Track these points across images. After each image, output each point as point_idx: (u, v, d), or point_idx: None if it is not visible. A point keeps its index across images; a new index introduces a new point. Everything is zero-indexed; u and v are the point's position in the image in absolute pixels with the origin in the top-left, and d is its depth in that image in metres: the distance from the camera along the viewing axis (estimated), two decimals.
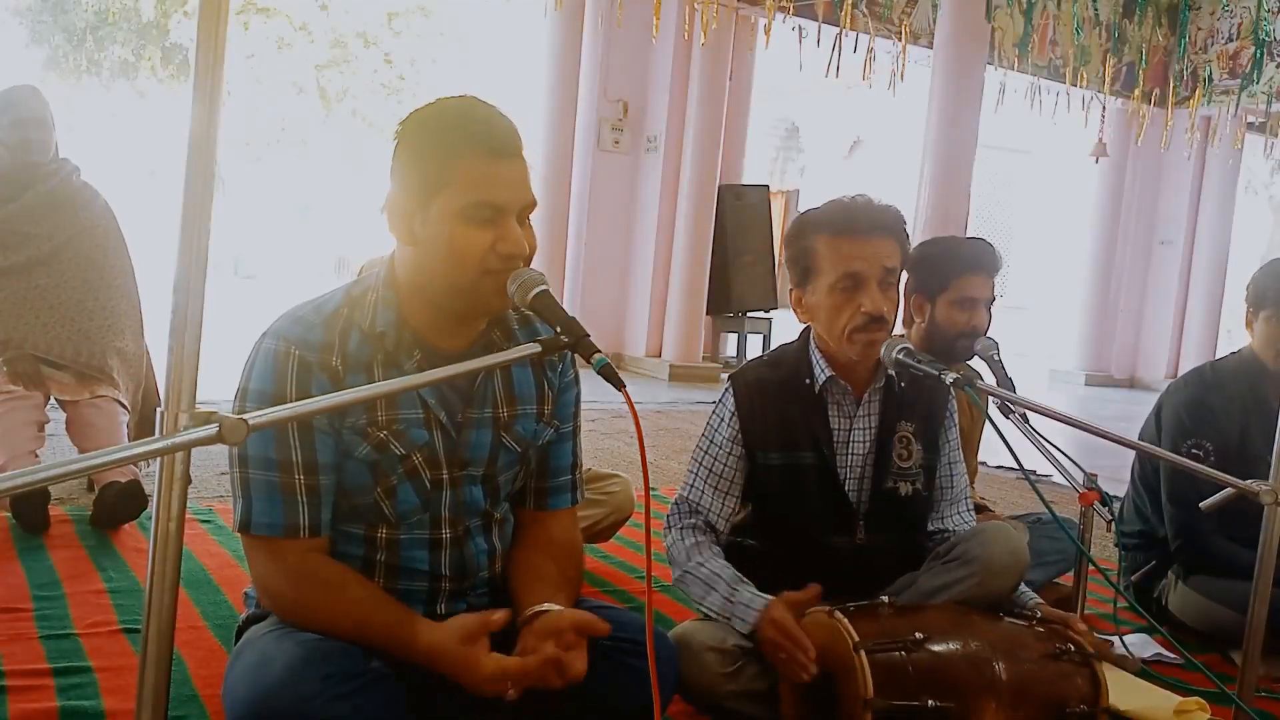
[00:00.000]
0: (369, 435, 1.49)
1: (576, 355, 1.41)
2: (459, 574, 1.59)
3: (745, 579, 1.87)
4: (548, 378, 1.65)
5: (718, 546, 1.97)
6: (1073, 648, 1.69)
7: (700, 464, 2.01)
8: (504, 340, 1.58)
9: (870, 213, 1.91)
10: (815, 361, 1.98)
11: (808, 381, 1.98)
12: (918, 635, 1.62)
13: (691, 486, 2.02)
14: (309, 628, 1.45)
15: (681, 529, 1.98)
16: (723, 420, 2.01)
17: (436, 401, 1.53)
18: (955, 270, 2.56)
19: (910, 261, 2.53)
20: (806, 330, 2.03)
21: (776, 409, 1.97)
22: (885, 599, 1.73)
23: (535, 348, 1.35)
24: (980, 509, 2.77)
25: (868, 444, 1.99)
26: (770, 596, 1.80)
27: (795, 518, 1.98)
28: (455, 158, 1.43)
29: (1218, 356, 2.84)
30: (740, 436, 1.98)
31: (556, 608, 1.50)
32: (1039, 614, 1.81)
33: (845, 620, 1.65)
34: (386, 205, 1.51)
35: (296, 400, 1.42)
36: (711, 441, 2.01)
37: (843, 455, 1.98)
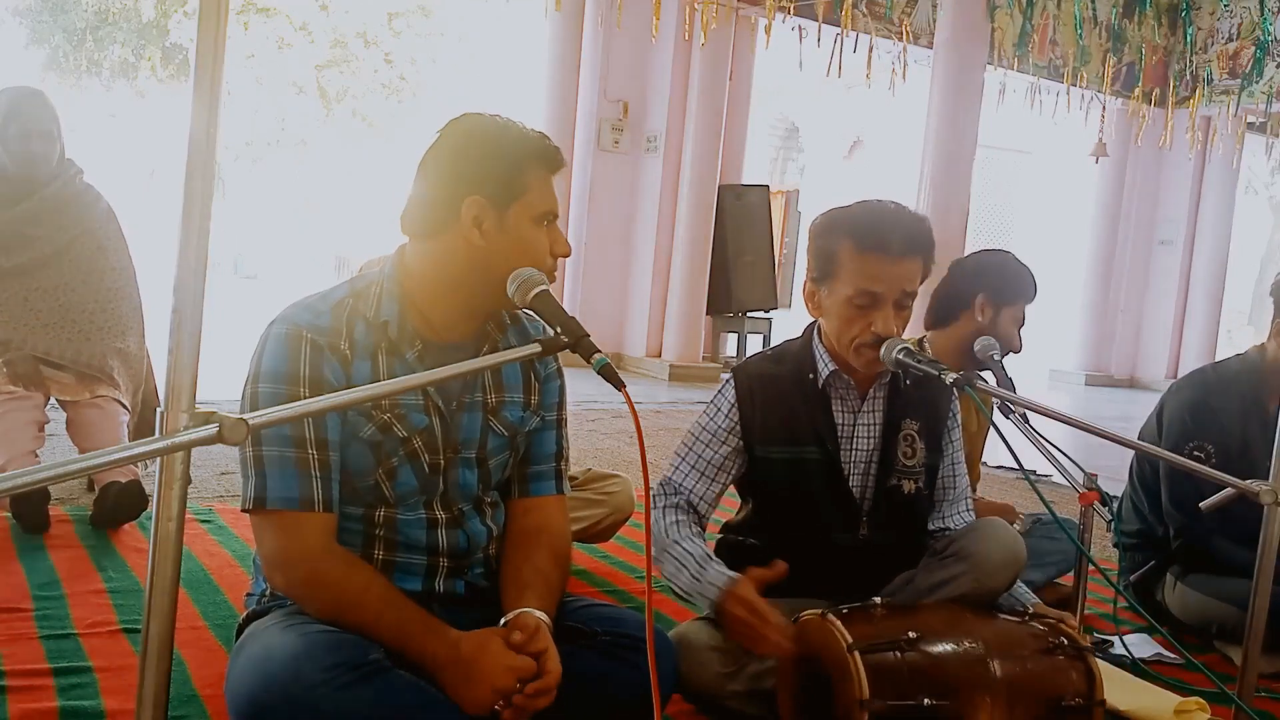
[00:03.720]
0: (374, 417, 1.56)
1: (573, 354, 1.44)
2: (456, 552, 1.63)
3: (715, 558, 1.87)
4: (534, 368, 1.72)
5: (698, 527, 1.97)
6: (1066, 641, 1.69)
7: (690, 449, 2.02)
8: (497, 332, 1.66)
9: (905, 233, 1.86)
10: (819, 356, 1.98)
11: (811, 376, 1.98)
12: (911, 635, 1.62)
13: (677, 469, 2.02)
14: (322, 608, 1.49)
15: (663, 509, 1.98)
16: (720, 410, 2.01)
17: (435, 388, 1.60)
18: (1027, 292, 2.65)
19: (984, 265, 2.67)
20: (811, 326, 2.02)
21: (779, 403, 1.97)
22: (877, 600, 1.74)
23: (536, 348, 1.38)
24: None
25: (873, 440, 1.99)
26: (736, 574, 1.79)
27: (798, 513, 1.98)
28: (532, 169, 1.57)
29: (1219, 357, 2.83)
30: (738, 429, 1.98)
31: (525, 610, 1.53)
32: (1031, 611, 1.81)
33: (838, 622, 1.65)
34: (438, 203, 1.57)
35: (310, 378, 1.51)
36: (704, 429, 2.01)
37: (847, 450, 1.98)
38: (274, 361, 1.52)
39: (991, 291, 2.62)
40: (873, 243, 1.85)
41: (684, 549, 1.88)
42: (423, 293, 1.60)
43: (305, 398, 1.49)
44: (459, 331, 1.63)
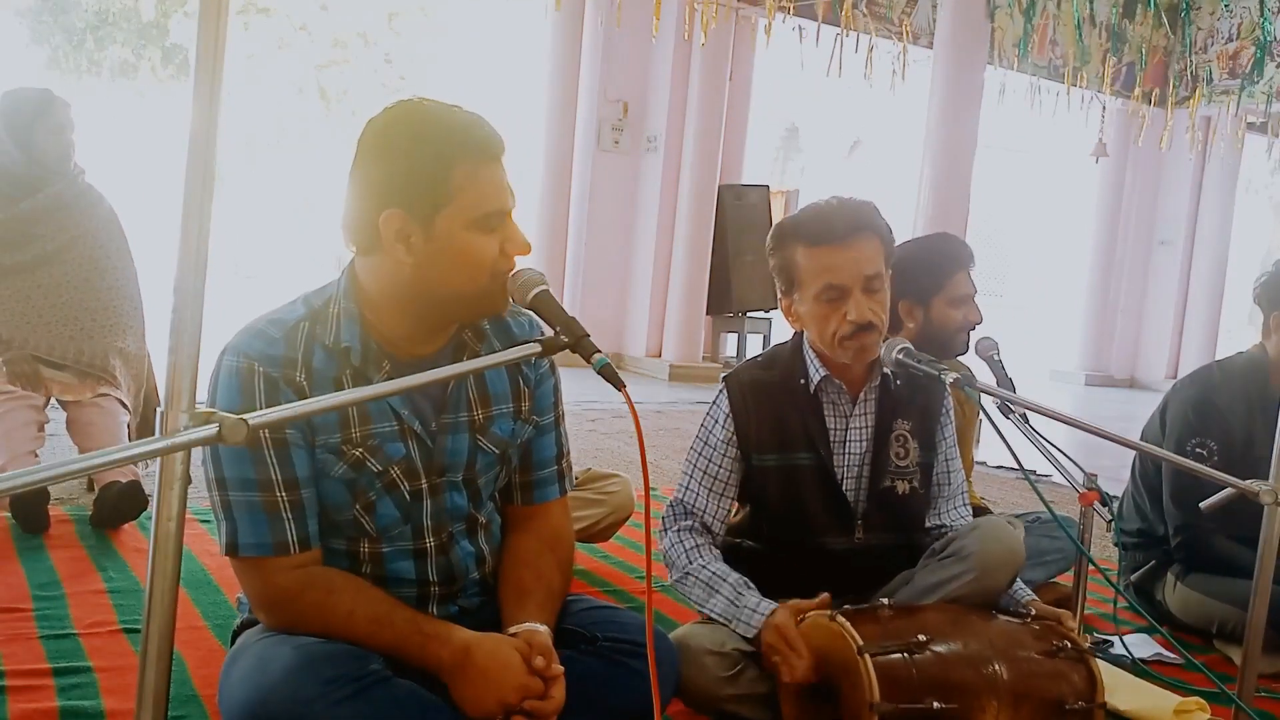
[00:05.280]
0: (344, 454, 1.47)
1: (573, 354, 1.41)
2: (447, 579, 1.58)
3: (750, 584, 1.87)
4: (522, 374, 1.62)
5: (716, 549, 1.98)
6: (1068, 644, 1.70)
7: (695, 466, 2.01)
8: (475, 340, 1.56)
9: (846, 217, 1.89)
10: (809, 361, 1.98)
11: (802, 382, 1.98)
12: (920, 637, 1.62)
13: (686, 489, 2.01)
14: (313, 635, 1.44)
15: (679, 531, 1.98)
16: (717, 422, 2.00)
17: (409, 412, 1.51)
18: (946, 270, 2.56)
19: (895, 268, 2.53)
20: (799, 331, 2.03)
21: (772, 410, 1.97)
22: (884, 600, 1.74)
23: (535, 348, 1.34)
24: (981, 510, 2.76)
25: (864, 443, 1.99)
26: (774, 603, 1.80)
27: (793, 519, 1.98)
28: (455, 168, 1.42)
29: (1219, 356, 2.82)
30: (735, 438, 1.98)
31: (532, 627, 1.49)
32: (1032, 611, 1.81)
33: (847, 624, 1.64)
34: (359, 220, 1.45)
35: None
36: (705, 443, 2.01)
37: (840, 455, 1.98)
38: (227, 400, 1.42)
39: (909, 293, 2.52)
40: (819, 235, 1.88)
41: (712, 573, 1.89)
42: (376, 312, 1.49)
43: (265, 438, 1.43)
44: (430, 345, 1.52)
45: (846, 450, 1.99)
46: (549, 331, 1.39)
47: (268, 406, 1.41)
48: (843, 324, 1.87)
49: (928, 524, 2.07)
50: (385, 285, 1.48)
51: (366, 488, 1.50)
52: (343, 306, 1.49)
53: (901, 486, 1.99)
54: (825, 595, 1.78)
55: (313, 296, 1.52)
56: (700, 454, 2.01)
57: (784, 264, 1.94)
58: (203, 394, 1.07)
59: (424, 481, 1.53)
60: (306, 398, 1.43)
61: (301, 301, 1.52)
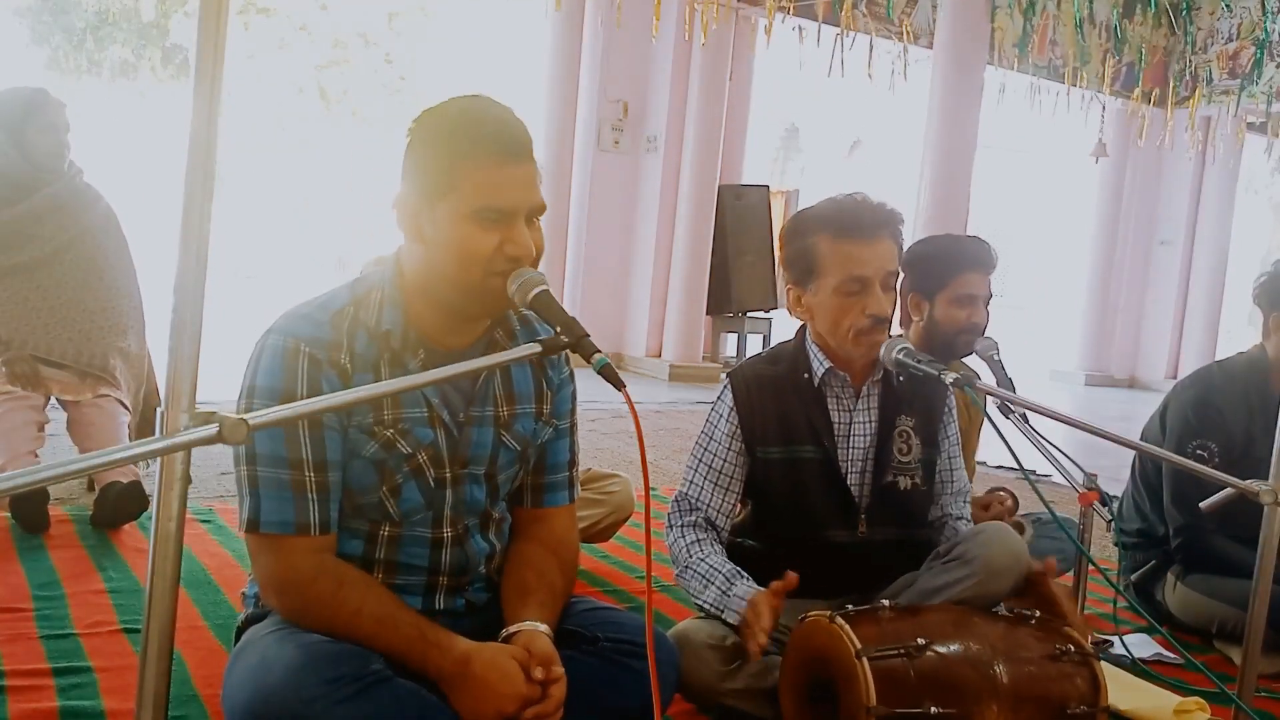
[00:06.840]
0: (376, 434, 1.50)
1: (574, 354, 1.42)
2: (457, 570, 1.60)
3: (744, 574, 1.88)
4: (546, 376, 1.66)
5: (719, 544, 1.98)
6: (1072, 648, 1.69)
7: (700, 460, 2.02)
8: (506, 340, 1.59)
9: (873, 214, 1.91)
10: (813, 355, 1.99)
11: (806, 376, 1.99)
12: (919, 640, 1.61)
13: (691, 483, 2.02)
14: (317, 627, 1.45)
15: (682, 526, 1.99)
16: (721, 416, 2.01)
17: (439, 401, 1.54)
18: (954, 268, 2.56)
19: (906, 260, 2.53)
20: (803, 327, 2.03)
21: (775, 403, 1.98)
22: (885, 602, 1.73)
23: (535, 348, 1.35)
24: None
25: (868, 438, 2.00)
26: (758, 588, 1.81)
27: (797, 512, 1.99)
28: (464, 161, 1.45)
29: (1220, 357, 2.83)
30: (739, 432, 1.98)
31: (534, 626, 1.50)
32: (1037, 613, 1.81)
33: (847, 626, 1.64)
34: (396, 202, 1.53)
35: (307, 397, 1.43)
36: (710, 438, 2.01)
37: (844, 448, 1.99)
38: (270, 378, 1.45)
39: (917, 287, 2.56)
40: (847, 228, 1.89)
41: (709, 565, 1.89)
42: (413, 300, 1.53)
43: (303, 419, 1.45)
44: (460, 338, 1.56)
45: (850, 444, 1.99)
46: None
47: (309, 387, 1.45)
48: (860, 318, 1.88)
49: (929, 516, 2.08)
50: (412, 271, 1.53)
51: (394, 470, 1.52)
52: (387, 293, 1.53)
53: (904, 482, 2.00)
54: (793, 576, 1.76)
55: (356, 285, 1.56)
56: (705, 449, 2.02)
57: (802, 252, 1.94)
58: (204, 394, 1.07)
59: (448, 471, 1.56)
60: (349, 380, 1.47)
61: (347, 288, 1.56)
